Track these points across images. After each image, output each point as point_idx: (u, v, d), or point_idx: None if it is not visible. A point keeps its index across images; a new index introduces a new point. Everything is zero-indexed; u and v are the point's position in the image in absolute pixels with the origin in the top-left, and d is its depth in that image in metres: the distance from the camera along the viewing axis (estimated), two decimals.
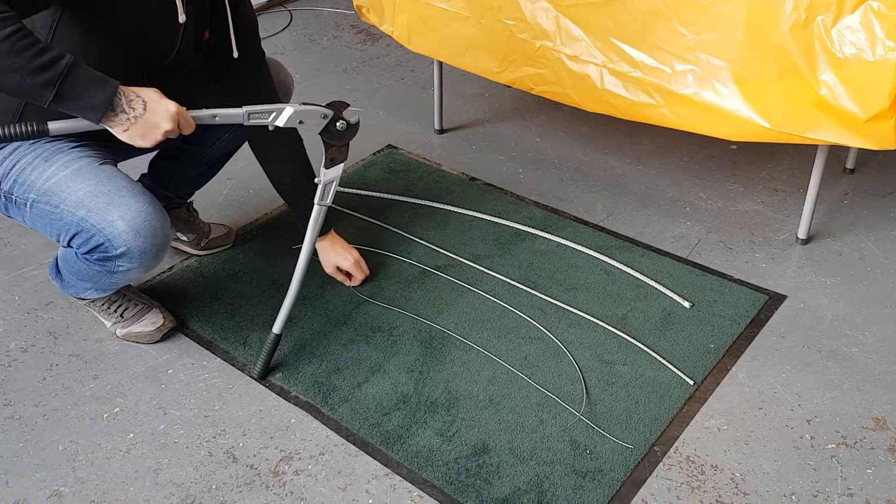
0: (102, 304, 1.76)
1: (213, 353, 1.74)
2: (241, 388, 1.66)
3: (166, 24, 1.48)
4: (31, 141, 1.49)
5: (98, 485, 1.46)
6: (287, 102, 1.76)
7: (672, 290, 1.87)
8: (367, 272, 1.92)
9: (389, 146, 2.51)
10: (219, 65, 1.66)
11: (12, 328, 1.81)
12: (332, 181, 1.58)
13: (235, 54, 1.59)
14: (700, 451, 1.50)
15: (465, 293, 1.89)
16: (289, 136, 1.72)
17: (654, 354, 1.70)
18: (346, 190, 2.27)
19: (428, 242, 2.05)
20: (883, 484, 1.43)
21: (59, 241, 1.53)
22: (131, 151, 1.53)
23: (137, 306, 1.77)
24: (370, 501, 1.43)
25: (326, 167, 1.56)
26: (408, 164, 2.41)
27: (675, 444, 1.51)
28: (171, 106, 1.33)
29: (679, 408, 1.58)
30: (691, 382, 1.63)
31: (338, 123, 1.49)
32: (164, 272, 1.97)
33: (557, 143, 2.52)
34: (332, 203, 1.65)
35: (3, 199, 1.54)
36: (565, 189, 2.29)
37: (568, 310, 1.82)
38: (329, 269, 1.90)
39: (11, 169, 1.50)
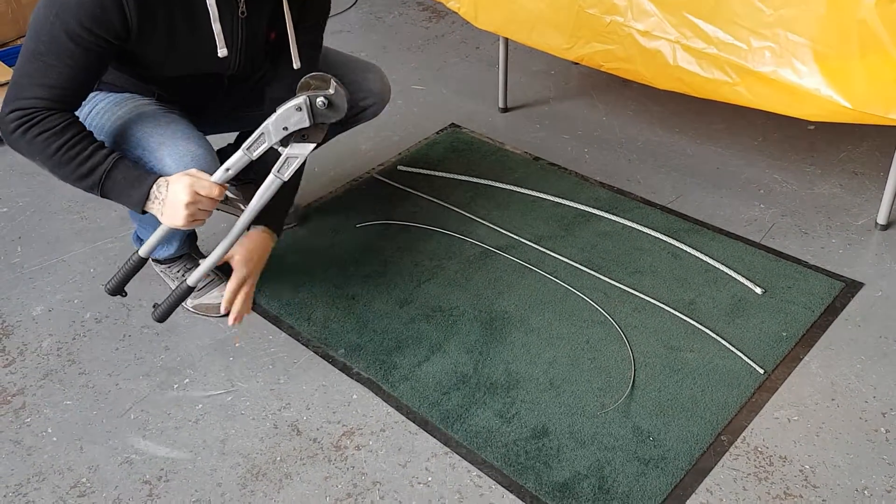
0: (177, 271, 1.81)
1: (278, 328, 1.77)
2: (306, 363, 1.68)
3: (214, 56, 1.50)
4: (110, 91, 1.60)
5: (168, 453, 1.51)
6: (377, 109, 1.86)
7: (743, 276, 1.81)
8: (241, 309, 1.56)
9: (453, 125, 2.50)
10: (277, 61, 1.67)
11: (87, 300, 1.88)
12: (297, 157, 1.40)
13: (296, 65, 1.56)
14: (769, 441, 1.46)
15: (526, 274, 1.87)
16: None
17: (723, 341, 1.65)
18: (409, 169, 2.27)
19: (490, 223, 2.04)
20: None
21: None
22: (214, 129, 1.69)
23: (209, 277, 1.81)
24: (429, 479, 1.43)
25: (295, 140, 1.38)
26: (471, 143, 2.40)
27: (743, 434, 1.47)
28: (183, 178, 1.38)
29: (748, 397, 1.54)
30: (761, 371, 1.58)
31: (318, 101, 1.33)
32: None
33: (625, 121, 2.47)
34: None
35: None
36: (632, 169, 2.24)
37: (633, 293, 1.79)
38: (228, 257, 1.55)
39: (90, 113, 1.58)
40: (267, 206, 1.44)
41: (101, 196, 1.44)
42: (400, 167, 2.28)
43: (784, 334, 1.67)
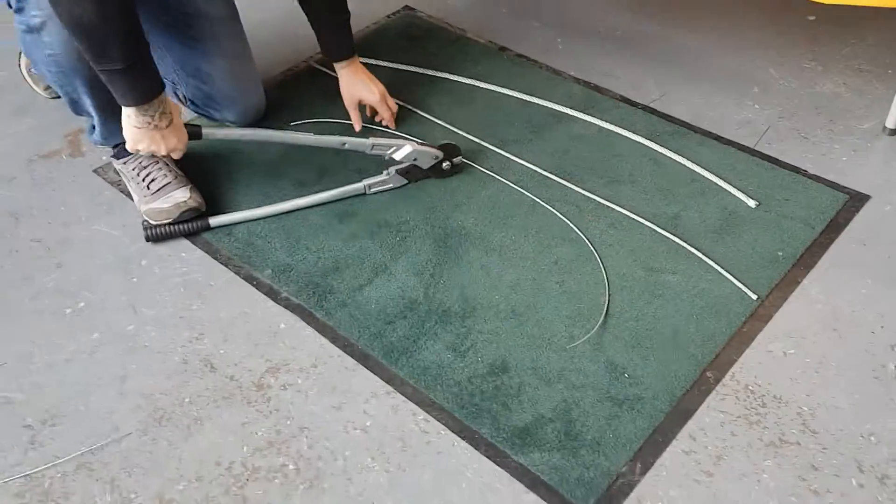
0: (133, 169, 1.60)
1: (192, 243, 1.57)
2: (224, 285, 1.48)
3: None
4: None
5: (56, 392, 1.32)
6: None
7: (735, 186, 1.64)
8: (395, 109, 1.81)
9: (406, 7, 2.27)
10: None
11: None
12: (390, 185, 1.65)
13: None
14: (761, 379, 1.31)
15: (488, 184, 1.68)
16: None
17: (711, 262, 1.49)
18: None
19: (447, 123, 1.84)
20: None
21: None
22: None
23: (167, 178, 1.58)
24: (367, 423, 1.26)
25: (399, 171, 1.64)
26: (427, 29, 2.18)
27: (732, 370, 1.32)
28: (183, 139, 1.47)
29: (738, 327, 1.38)
30: (754, 297, 1.42)
31: (444, 164, 1.66)
32: None
33: (604, 6, 2.24)
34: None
35: None
36: (611, 63, 2.03)
37: (609, 206, 1.61)
38: (350, 102, 1.78)
39: None
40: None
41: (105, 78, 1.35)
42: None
43: (780, 254, 1.50)
